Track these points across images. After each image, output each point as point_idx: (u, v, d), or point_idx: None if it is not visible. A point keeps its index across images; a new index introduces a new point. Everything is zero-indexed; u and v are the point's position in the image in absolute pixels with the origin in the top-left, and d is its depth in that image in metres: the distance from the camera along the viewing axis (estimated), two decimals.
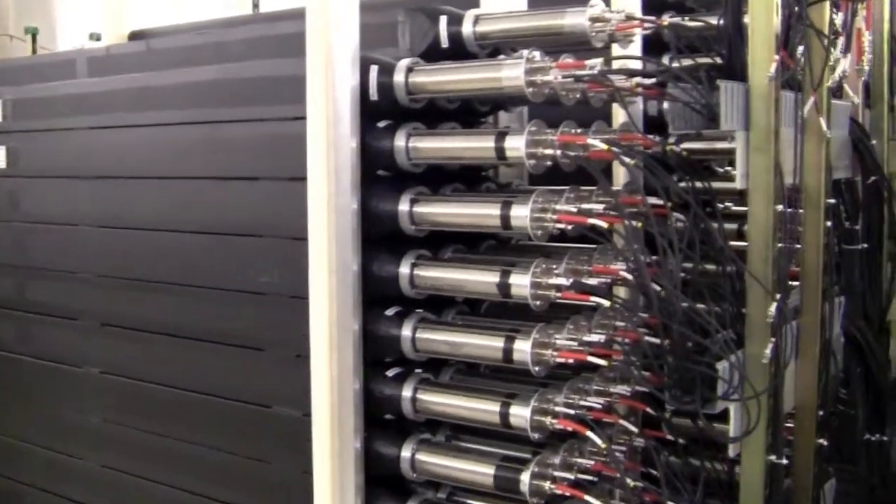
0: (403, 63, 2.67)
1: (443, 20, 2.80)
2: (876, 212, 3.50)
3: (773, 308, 2.55)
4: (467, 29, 2.78)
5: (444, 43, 2.80)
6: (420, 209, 2.66)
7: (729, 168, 3.63)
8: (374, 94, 2.67)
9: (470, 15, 2.80)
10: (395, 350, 2.71)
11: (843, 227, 3.36)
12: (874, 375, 3.46)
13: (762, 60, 2.54)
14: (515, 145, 2.48)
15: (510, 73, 2.49)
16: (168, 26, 4.60)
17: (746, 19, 2.64)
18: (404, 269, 2.68)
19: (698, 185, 2.79)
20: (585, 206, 2.57)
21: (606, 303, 2.48)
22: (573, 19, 2.62)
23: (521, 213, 2.49)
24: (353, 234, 2.63)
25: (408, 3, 2.86)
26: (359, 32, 2.64)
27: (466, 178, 2.89)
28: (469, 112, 2.90)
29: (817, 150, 2.88)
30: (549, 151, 2.49)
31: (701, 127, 2.56)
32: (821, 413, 3.00)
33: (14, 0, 7.09)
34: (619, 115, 3.09)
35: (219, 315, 3.03)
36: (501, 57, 2.76)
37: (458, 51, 2.79)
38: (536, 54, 2.50)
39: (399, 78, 2.66)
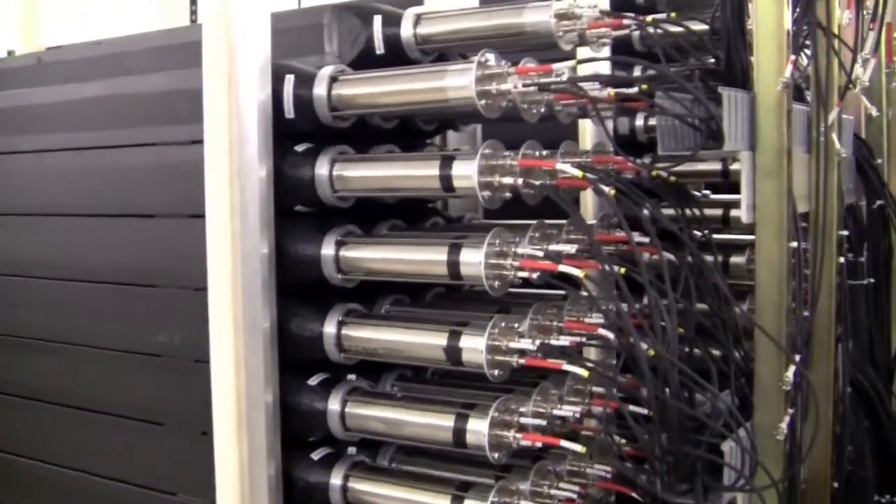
0: (325, 72, 2.05)
1: (377, 21, 2.19)
2: (883, 241, 2.91)
3: (790, 372, 1.94)
4: (406, 31, 2.17)
5: (379, 48, 2.19)
6: (348, 253, 2.03)
7: (707, 192, 3.07)
8: (289, 110, 2.05)
9: (410, 14, 2.18)
10: (321, 427, 2.08)
11: (847, 259, 2.76)
12: (884, 429, 2.87)
13: (771, 63, 1.94)
14: (465, 172, 1.87)
15: (457, 80, 1.88)
16: (88, 42, 3.94)
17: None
18: (329, 329, 2.05)
19: (690, 216, 2.20)
20: (554, 246, 1.96)
21: (584, 373, 1.86)
22: (536, 16, 2.02)
23: (472, 259, 1.87)
24: (264, 285, 2.00)
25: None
26: (270, 36, 2.02)
27: (408, 213, 2.26)
28: (410, 132, 2.28)
29: (830, 173, 2.28)
30: (507, 180, 1.87)
31: (697, 147, 1.96)
32: (835, 485, 2.39)
33: None
34: (585, 135, 2.49)
35: (110, 381, 2.38)
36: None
37: (397, 57, 2.17)
38: (490, 57, 1.89)
39: (320, 90, 2.03)
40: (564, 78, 1.94)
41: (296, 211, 2.10)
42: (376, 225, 2.16)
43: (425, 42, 2.18)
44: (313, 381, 2.09)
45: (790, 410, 1.96)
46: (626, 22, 2.06)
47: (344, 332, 2.05)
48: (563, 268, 1.83)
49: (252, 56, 1.98)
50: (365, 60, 2.17)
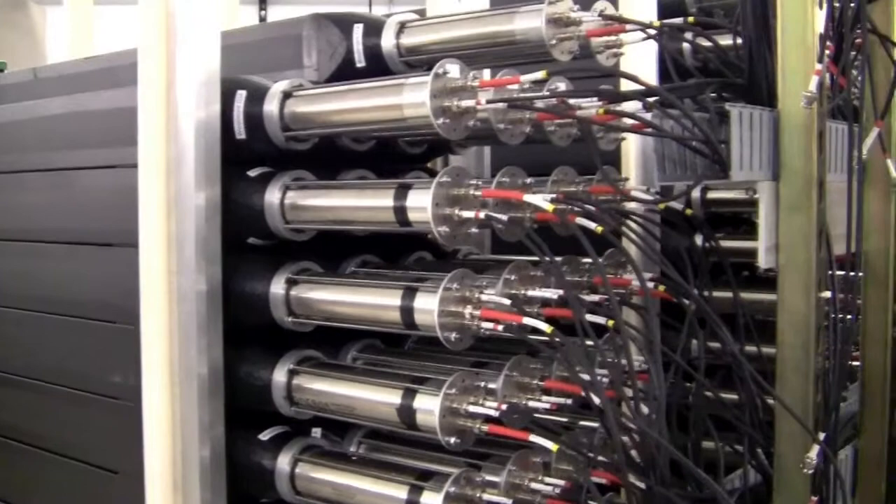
0: (278, 87, 1.74)
1: (357, 30, 1.87)
2: None
3: (813, 452, 1.53)
4: (388, 41, 1.85)
5: (360, 60, 1.87)
6: (299, 294, 1.71)
7: None
8: (240, 130, 1.74)
9: (392, 23, 1.86)
10: (270, 488, 1.76)
11: None
12: None
13: (798, 74, 1.54)
14: (420, 203, 1.53)
15: (412, 97, 1.54)
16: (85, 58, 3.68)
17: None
18: (279, 378, 1.73)
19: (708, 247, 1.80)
20: (535, 292, 1.60)
21: (553, 447, 1.48)
22: (526, 22, 1.68)
23: (425, 306, 1.52)
24: (202, 326, 1.68)
25: None
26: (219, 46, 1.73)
27: (389, 246, 1.92)
28: (392, 156, 1.95)
29: (883, 206, 1.86)
30: (468, 214, 1.52)
31: (704, 176, 1.57)
32: None
33: None
34: (628, 158, 2.12)
35: (63, 421, 2.10)
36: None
37: (379, 70, 1.85)
38: (452, 69, 1.54)
39: (271, 107, 1.72)
40: (532, 92, 1.58)
41: (249, 244, 1.79)
42: (345, 261, 1.84)
43: (410, 53, 1.85)
44: (265, 435, 1.77)
45: (814, 498, 1.55)
46: (630, 28, 1.70)
47: (295, 382, 1.72)
48: (529, 320, 1.47)
49: (194, 66, 1.68)
50: (345, 74, 1.85)
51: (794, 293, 1.57)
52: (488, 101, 1.51)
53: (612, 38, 1.76)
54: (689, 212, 1.76)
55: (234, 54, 1.93)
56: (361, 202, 1.64)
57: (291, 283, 1.72)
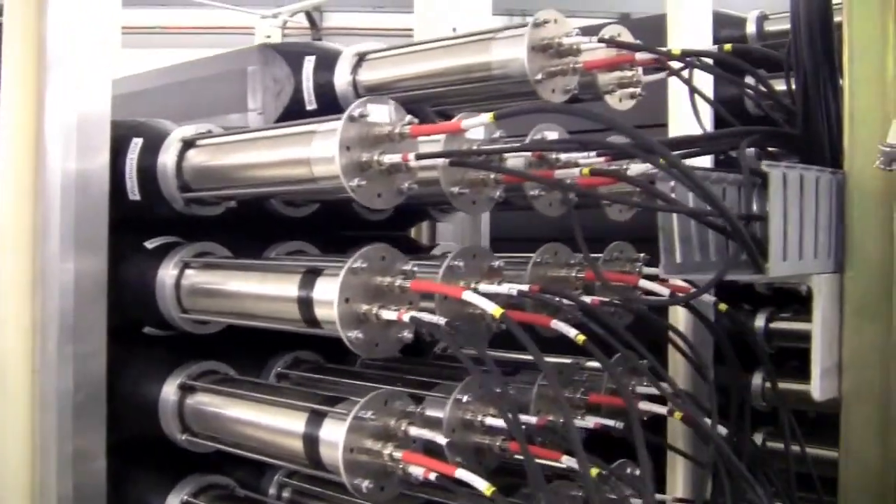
0: (177, 134, 1.28)
1: (308, 65, 1.43)
2: None
3: None
4: (342, 77, 1.40)
5: (310, 101, 1.42)
6: (196, 405, 1.25)
7: None
8: (133, 189, 1.30)
9: (348, 55, 1.41)
10: None
11: None
12: None
13: (871, 120, 1.02)
14: (325, 296, 1.05)
15: (320, 148, 1.07)
16: None
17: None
18: None
19: None
20: (496, 421, 1.11)
21: None
22: (505, 51, 1.21)
23: (331, 438, 1.04)
24: (66, 437, 1.22)
25: None
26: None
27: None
28: (346, 222, 1.47)
29: None
30: (388, 314, 1.03)
31: (727, 266, 1.05)
32: None
33: None
34: None
35: None
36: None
37: (333, 111, 1.39)
38: (375, 109, 1.07)
39: (165, 160, 1.27)
40: (485, 146, 1.09)
41: (145, 335, 1.34)
42: (272, 358, 1.37)
43: (369, 91, 1.40)
44: None
45: None
46: (640, 58, 1.20)
47: None
48: (461, 474, 0.97)
49: (67, 110, 1.24)
50: (295, 118, 1.39)
51: (864, 436, 1.03)
52: (418, 157, 1.02)
53: (628, 73, 1.28)
54: (723, 307, 1.24)
55: (168, 95, 1.52)
56: (261, 289, 1.16)
57: (186, 389, 1.25)
